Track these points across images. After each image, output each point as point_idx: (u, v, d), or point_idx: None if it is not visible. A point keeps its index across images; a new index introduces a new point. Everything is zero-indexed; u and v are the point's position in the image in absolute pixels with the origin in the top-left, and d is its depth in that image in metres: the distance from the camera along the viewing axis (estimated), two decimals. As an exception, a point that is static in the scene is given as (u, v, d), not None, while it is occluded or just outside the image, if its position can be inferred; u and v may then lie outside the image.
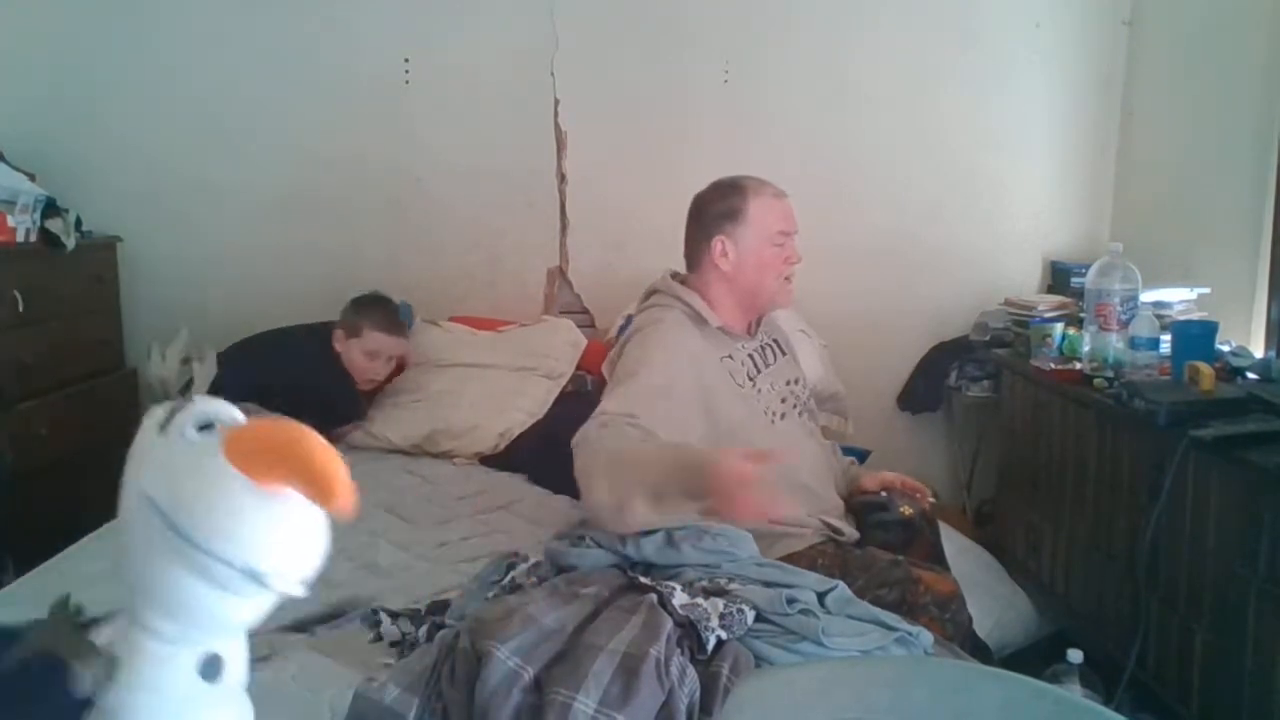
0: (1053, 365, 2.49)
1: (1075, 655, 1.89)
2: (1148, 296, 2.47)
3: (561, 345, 2.82)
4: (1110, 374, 2.32)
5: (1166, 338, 2.30)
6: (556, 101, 3.02)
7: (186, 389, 2.62)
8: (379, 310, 2.65)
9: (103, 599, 0.75)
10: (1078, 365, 2.44)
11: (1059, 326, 2.57)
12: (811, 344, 2.79)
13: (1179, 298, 2.57)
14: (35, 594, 1.56)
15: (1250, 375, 2.16)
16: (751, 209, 1.81)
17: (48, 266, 2.60)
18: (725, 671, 1.22)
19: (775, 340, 1.97)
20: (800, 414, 1.90)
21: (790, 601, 1.33)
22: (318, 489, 0.67)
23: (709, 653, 1.26)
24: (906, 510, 1.78)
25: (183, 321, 2.92)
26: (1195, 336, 2.22)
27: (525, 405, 2.62)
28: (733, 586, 1.40)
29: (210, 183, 2.98)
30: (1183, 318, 2.48)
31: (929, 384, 3.13)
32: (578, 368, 2.80)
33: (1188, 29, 2.88)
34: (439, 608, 1.52)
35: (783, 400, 1.86)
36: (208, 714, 0.72)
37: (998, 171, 3.17)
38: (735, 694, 1.18)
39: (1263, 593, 1.76)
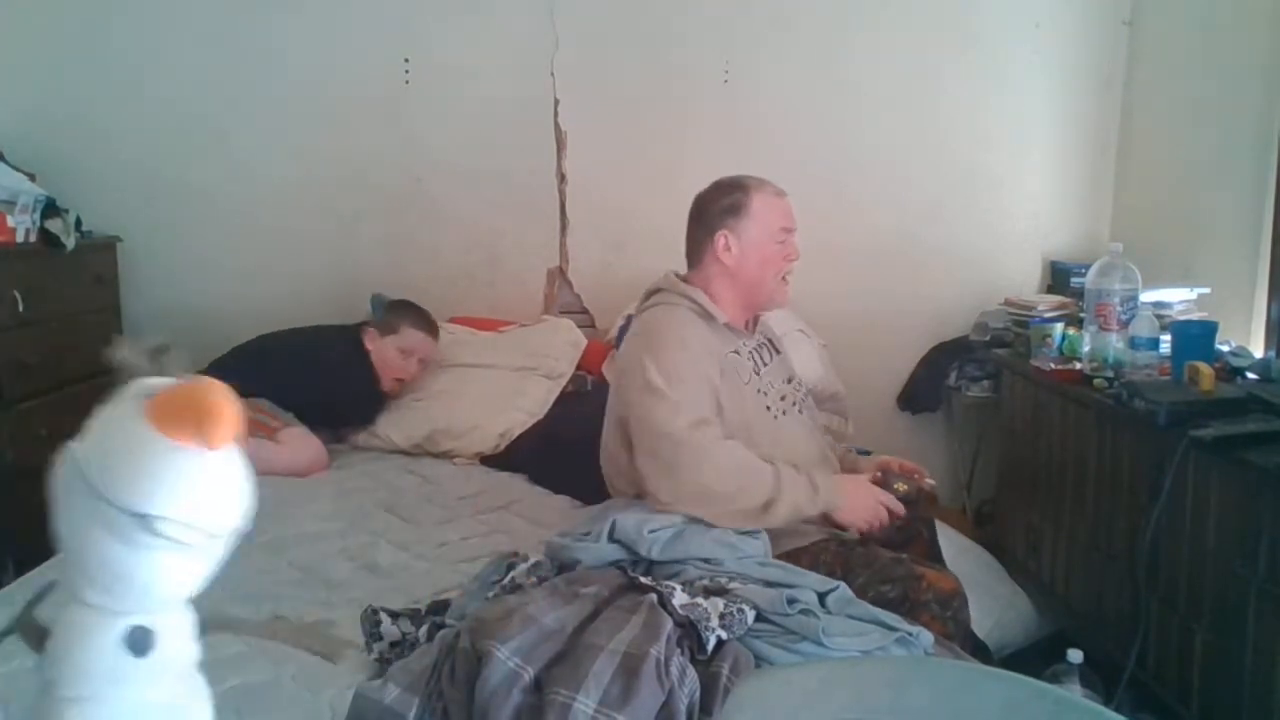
0: (1053, 365, 2.49)
1: (1075, 655, 1.89)
2: (1148, 296, 2.47)
3: (562, 345, 2.82)
4: (1110, 374, 2.32)
5: (1166, 338, 2.29)
6: (556, 101, 3.02)
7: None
8: (414, 310, 2.71)
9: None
10: (1078, 365, 2.44)
11: (1059, 326, 2.57)
12: (811, 344, 2.79)
13: (1179, 298, 2.57)
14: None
15: (1250, 375, 2.16)
16: (754, 204, 1.83)
17: (48, 266, 2.59)
18: (725, 671, 1.22)
19: (769, 340, 2.00)
20: (800, 411, 1.93)
21: (791, 601, 1.34)
22: (200, 423, 0.68)
23: (709, 653, 1.26)
24: (901, 486, 1.79)
25: (183, 321, 2.92)
26: (1195, 336, 2.22)
27: (525, 405, 2.63)
28: (733, 586, 1.41)
29: (210, 183, 2.97)
30: (1183, 318, 2.48)
31: (929, 384, 3.13)
32: (578, 368, 2.80)
33: (1188, 29, 2.88)
34: (439, 608, 1.52)
35: (783, 398, 1.88)
36: (137, 690, 0.71)
37: (998, 172, 3.17)
38: (735, 694, 1.18)
39: (1263, 593, 1.76)
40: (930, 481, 1.90)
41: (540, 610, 1.26)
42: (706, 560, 1.51)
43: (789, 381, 1.94)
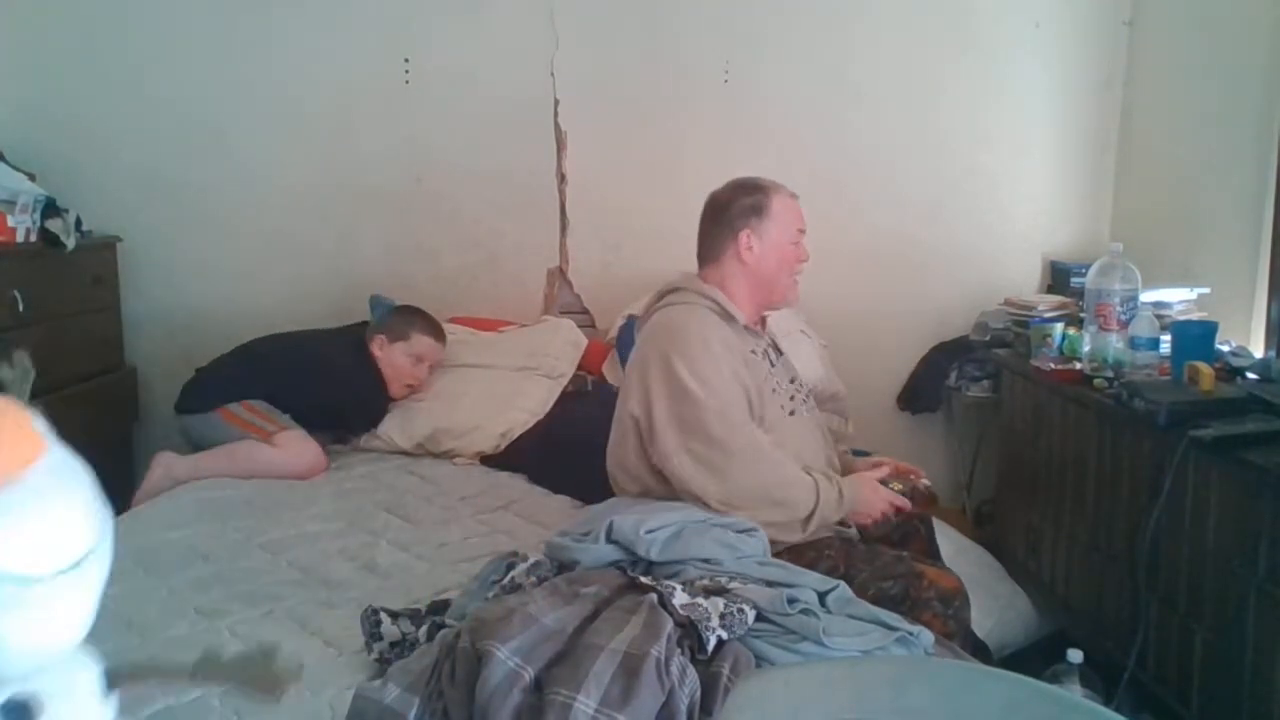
0: (1053, 365, 2.49)
1: (1075, 655, 1.89)
2: (1148, 296, 2.47)
3: (562, 345, 2.82)
4: (1110, 374, 2.32)
5: (1166, 338, 2.30)
6: (556, 101, 3.02)
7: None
8: (422, 316, 2.70)
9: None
10: (1078, 365, 2.44)
11: (1059, 326, 2.56)
12: (811, 344, 2.79)
13: (1179, 298, 2.57)
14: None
15: (1250, 375, 2.16)
16: (774, 205, 1.85)
17: (48, 266, 2.59)
18: (725, 671, 1.22)
19: (773, 340, 2.01)
20: (807, 410, 1.94)
21: (791, 601, 1.34)
22: None
23: (709, 653, 1.26)
24: (896, 487, 1.81)
25: (183, 321, 2.92)
26: (1195, 336, 2.22)
27: (526, 405, 2.63)
28: (733, 586, 1.41)
29: (210, 183, 2.97)
30: (1183, 318, 2.48)
31: (929, 384, 3.13)
32: (578, 368, 2.80)
33: (1188, 29, 2.88)
34: (439, 608, 1.52)
35: (790, 398, 1.89)
36: None
37: (997, 172, 3.16)
38: (735, 694, 1.18)
39: (1262, 593, 1.76)
40: (926, 481, 1.91)
41: (540, 610, 1.26)
42: (706, 560, 1.51)
43: (792, 382, 1.95)
